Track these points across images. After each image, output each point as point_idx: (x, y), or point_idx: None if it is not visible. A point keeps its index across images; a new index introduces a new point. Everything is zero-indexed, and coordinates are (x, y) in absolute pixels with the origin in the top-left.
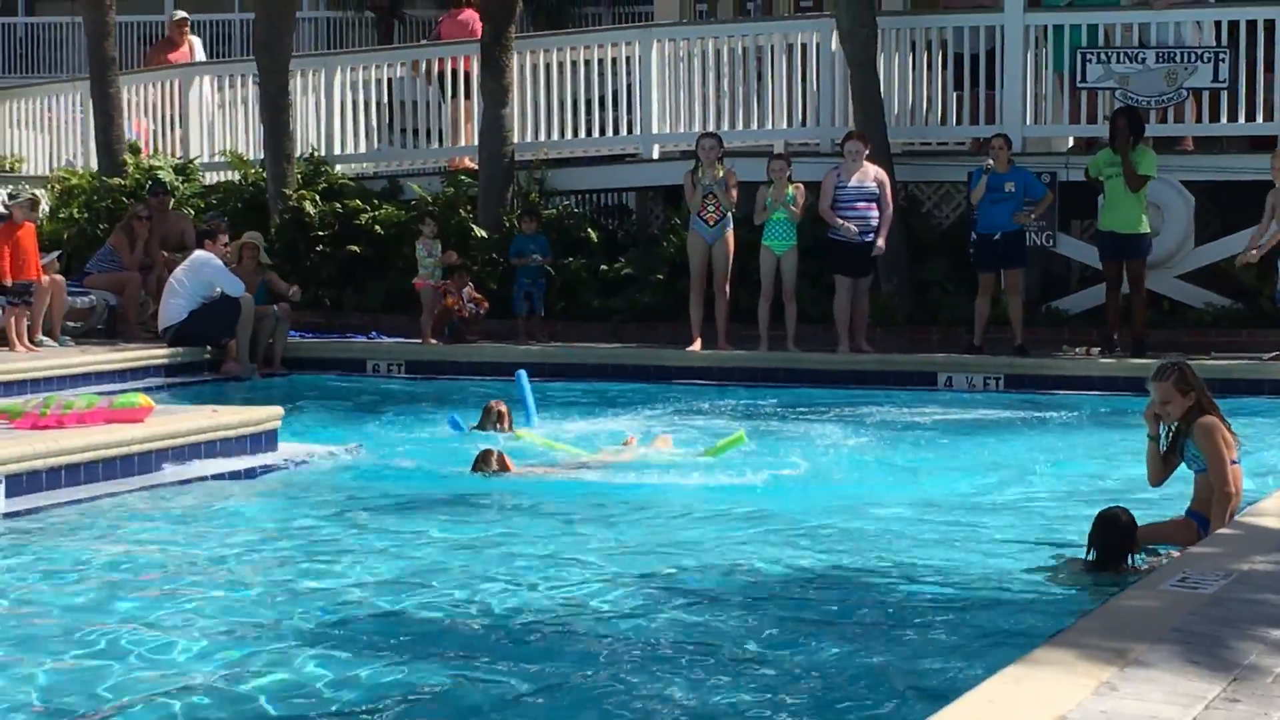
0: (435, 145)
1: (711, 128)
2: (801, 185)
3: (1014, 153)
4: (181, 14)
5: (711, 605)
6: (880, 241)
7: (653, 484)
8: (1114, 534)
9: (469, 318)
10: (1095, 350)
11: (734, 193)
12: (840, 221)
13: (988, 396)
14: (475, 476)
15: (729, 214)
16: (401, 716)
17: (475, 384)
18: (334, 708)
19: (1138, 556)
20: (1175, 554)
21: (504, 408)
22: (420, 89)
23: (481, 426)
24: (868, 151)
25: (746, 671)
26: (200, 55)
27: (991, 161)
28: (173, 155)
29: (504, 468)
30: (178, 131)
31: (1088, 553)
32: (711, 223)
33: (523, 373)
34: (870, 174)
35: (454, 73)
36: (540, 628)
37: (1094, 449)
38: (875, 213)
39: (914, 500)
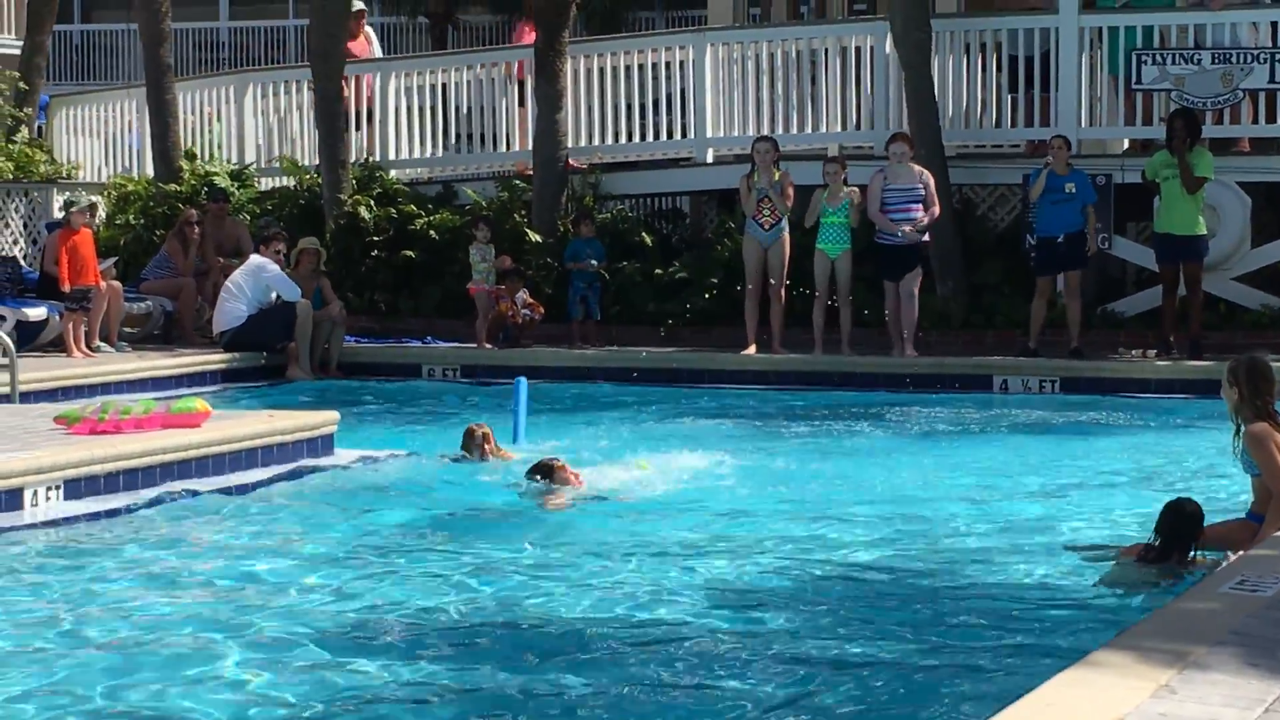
0: (489, 150)
1: (766, 131)
2: (856, 189)
3: (1072, 155)
4: (360, 5)
5: (761, 607)
6: (914, 227)
7: (695, 488)
8: (1180, 522)
9: (523, 323)
10: (1151, 353)
11: (790, 196)
12: (891, 225)
13: (1043, 399)
14: (517, 486)
15: (785, 218)
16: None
17: (530, 388)
18: (389, 710)
19: (1203, 551)
20: (1233, 556)
21: (487, 429)
22: (475, 94)
23: (466, 450)
24: (913, 153)
25: (795, 672)
26: (377, 48)
27: (1050, 161)
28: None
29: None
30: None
31: (1154, 538)
32: (767, 226)
33: (522, 380)
34: (915, 175)
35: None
36: (594, 632)
37: (1151, 452)
38: (922, 214)
39: (967, 502)
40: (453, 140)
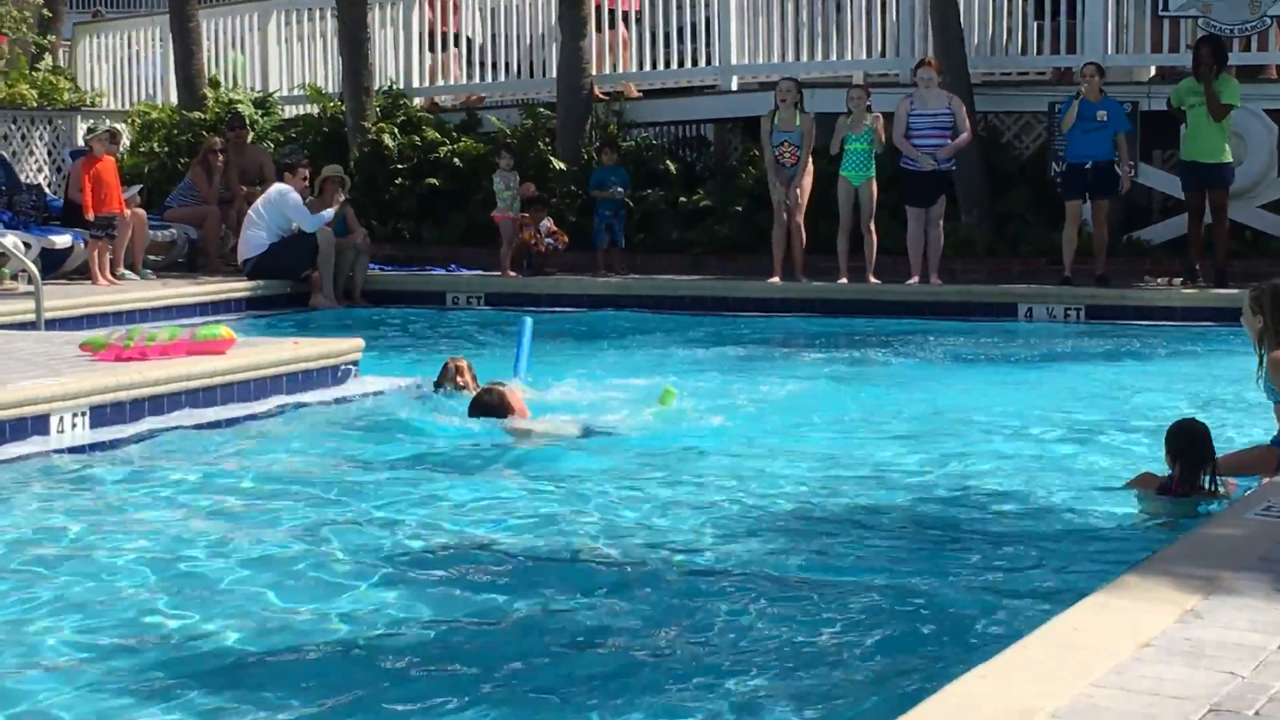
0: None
1: (790, 59)
2: (881, 116)
3: (1102, 83)
4: None
5: (784, 538)
6: (941, 152)
7: (719, 416)
8: (1196, 442)
9: (547, 252)
10: (1177, 281)
11: (811, 143)
12: (915, 151)
13: (1069, 327)
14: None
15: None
16: (467, 643)
17: (554, 316)
18: (409, 638)
19: (1223, 478)
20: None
21: (464, 363)
22: (498, 22)
23: (439, 385)
24: (940, 79)
25: (820, 603)
26: None
27: (1082, 89)
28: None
29: (469, 385)
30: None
31: (1174, 468)
32: (788, 164)
33: (528, 320)
34: (944, 101)
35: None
36: (611, 564)
37: (1176, 379)
38: (949, 142)
39: (991, 430)
40: (476, 68)
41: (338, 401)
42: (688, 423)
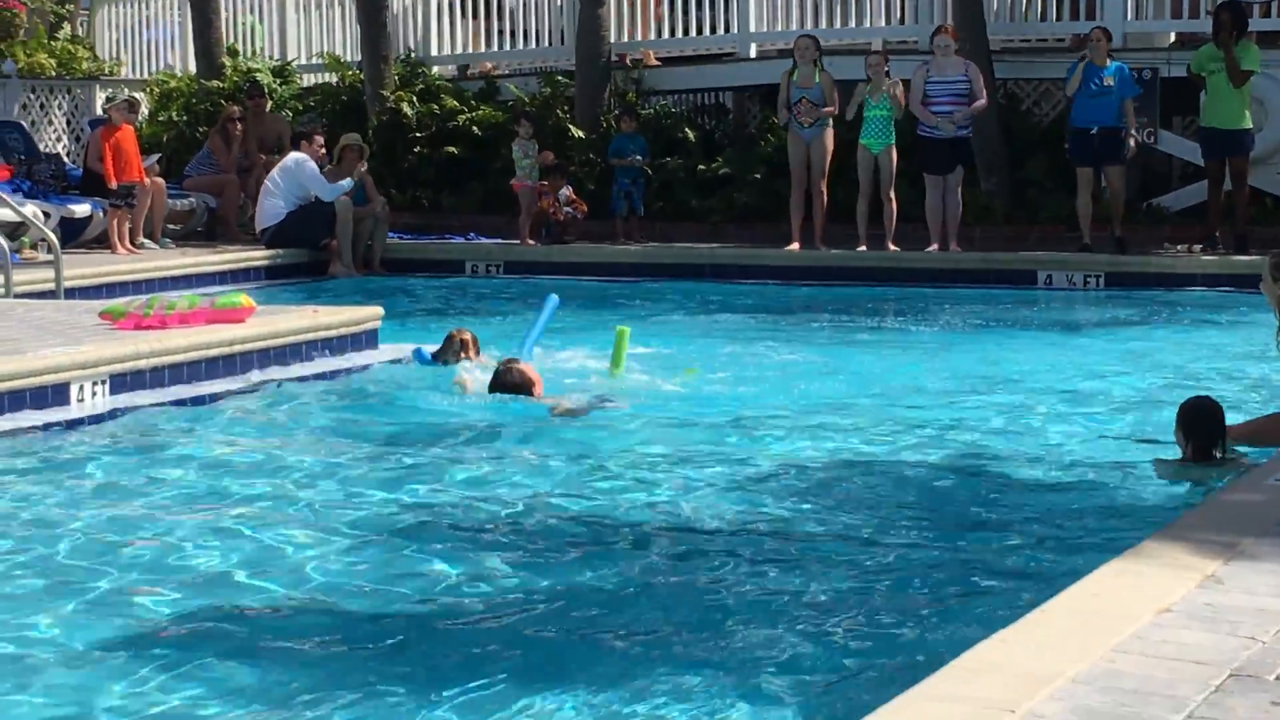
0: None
1: (809, 26)
2: (900, 82)
3: (1115, 48)
4: None
5: (804, 503)
6: (956, 119)
7: (738, 384)
8: (1207, 419)
9: (566, 220)
10: (1197, 247)
11: (835, 102)
12: (933, 118)
13: (1088, 294)
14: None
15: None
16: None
17: (573, 284)
18: (431, 603)
19: (1227, 444)
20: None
21: (468, 335)
22: None
23: (441, 356)
24: (956, 46)
25: (839, 569)
26: None
27: (1089, 53)
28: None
29: (470, 358)
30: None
31: (1183, 447)
32: (806, 125)
33: (554, 299)
34: (960, 68)
35: None
36: (631, 535)
37: (1195, 347)
38: (966, 108)
39: (1011, 396)
40: (495, 35)
41: (357, 369)
42: (705, 392)
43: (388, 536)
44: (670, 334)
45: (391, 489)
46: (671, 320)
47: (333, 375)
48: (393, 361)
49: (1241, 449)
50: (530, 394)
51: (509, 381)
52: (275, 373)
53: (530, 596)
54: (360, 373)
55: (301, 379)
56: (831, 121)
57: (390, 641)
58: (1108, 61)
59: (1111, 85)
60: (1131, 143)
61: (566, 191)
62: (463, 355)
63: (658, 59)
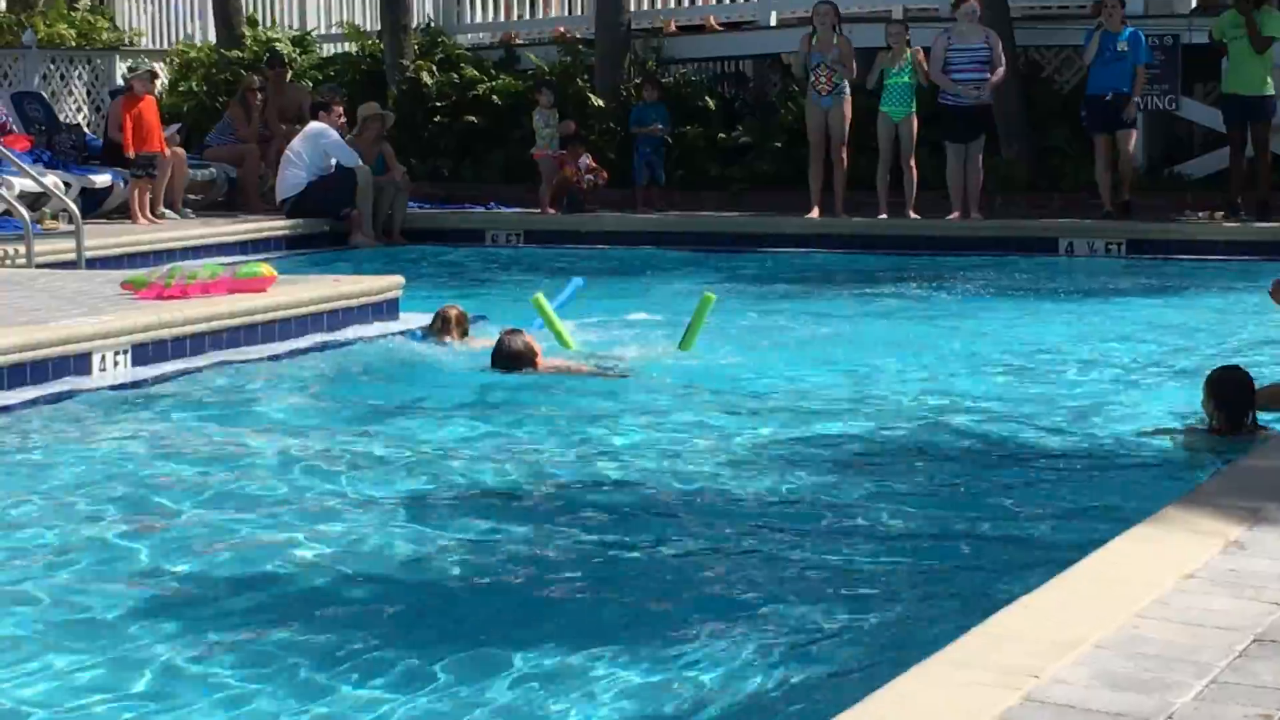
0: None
1: None
2: (921, 50)
3: (1138, 15)
4: None
5: (827, 469)
6: (977, 88)
7: (757, 352)
8: (1238, 390)
9: (587, 188)
10: (1219, 215)
11: (852, 69)
12: (954, 85)
13: (1110, 262)
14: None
15: (844, 82)
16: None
17: (594, 253)
18: (456, 570)
19: (1263, 414)
20: None
21: (454, 313)
22: None
23: (429, 332)
24: (980, 13)
25: (860, 534)
26: None
27: (1103, 20)
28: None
29: (463, 331)
30: None
31: (1213, 417)
32: (824, 92)
33: (578, 280)
34: (981, 36)
35: None
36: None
37: (1217, 314)
38: (988, 76)
39: (1033, 364)
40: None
41: (379, 339)
42: (723, 360)
43: (397, 503)
44: (690, 303)
45: (404, 456)
46: (694, 288)
47: (354, 344)
48: (382, 336)
49: (1265, 417)
50: (533, 366)
51: (510, 351)
52: (297, 342)
53: (539, 564)
54: (381, 341)
55: (323, 347)
56: (850, 89)
57: (396, 609)
58: (1122, 27)
59: (1125, 51)
60: (1131, 108)
61: (586, 159)
62: (445, 335)
63: (677, 27)
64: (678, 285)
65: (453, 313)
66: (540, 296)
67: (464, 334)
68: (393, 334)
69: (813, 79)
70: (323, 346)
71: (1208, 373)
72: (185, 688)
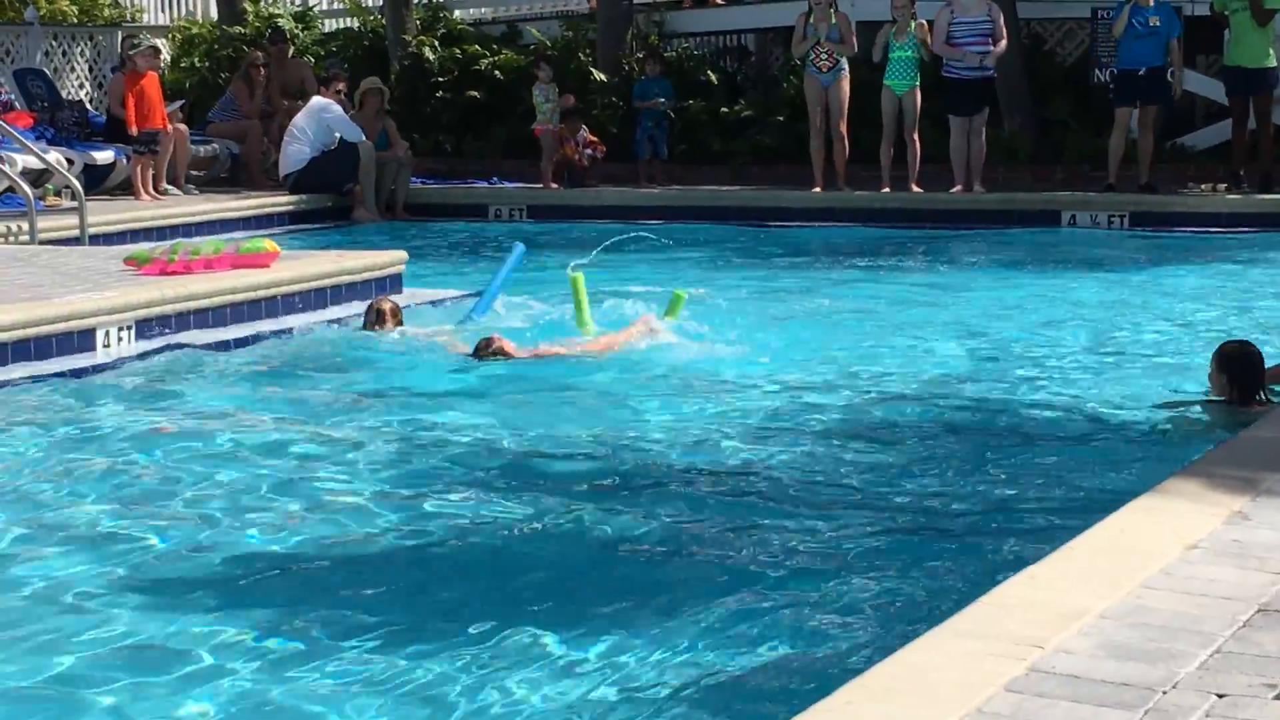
0: None
1: None
2: (925, 23)
3: None
4: None
5: (830, 444)
6: (982, 58)
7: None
8: (1248, 364)
9: (586, 164)
10: (1221, 187)
11: (852, 44)
12: (958, 52)
13: (1113, 234)
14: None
15: (843, 58)
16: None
17: (596, 228)
18: (463, 543)
19: (1267, 389)
20: None
21: (387, 305)
22: None
23: (367, 326)
24: None
25: (864, 508)
26: None
27: None
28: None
29: (397, 323)
30: None
31: (1228, 390)
32: (825, 69)
33: (520, 246)
34: (984, 8)
35: None
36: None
37: (1220, 286)
38: (990, 48)
39: (1036, 337)
40: None
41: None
42: (728, 335)
43: (397, 477)
44: (693, 277)
45: (404, 432)
46: (696, 262)
47: (357, 319)
48: (421, 304)
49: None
50: (504, 354)
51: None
52: (301, 317)
53: (531, 540)
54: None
55: (327, 323)
56: (848, 64)
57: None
58: (1152, 1)
59: (1158, 25)
60: (1177, 84)
61: (584, 133)
62: (378, 326)
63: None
64: (679, 259)
65: (386, 305)
66: (578, 274)
67: (399, 324)
68: (404, 306)
69: (812, 55)
70: (327, 321)
71: (1219, 345)
72: (202, 669)
